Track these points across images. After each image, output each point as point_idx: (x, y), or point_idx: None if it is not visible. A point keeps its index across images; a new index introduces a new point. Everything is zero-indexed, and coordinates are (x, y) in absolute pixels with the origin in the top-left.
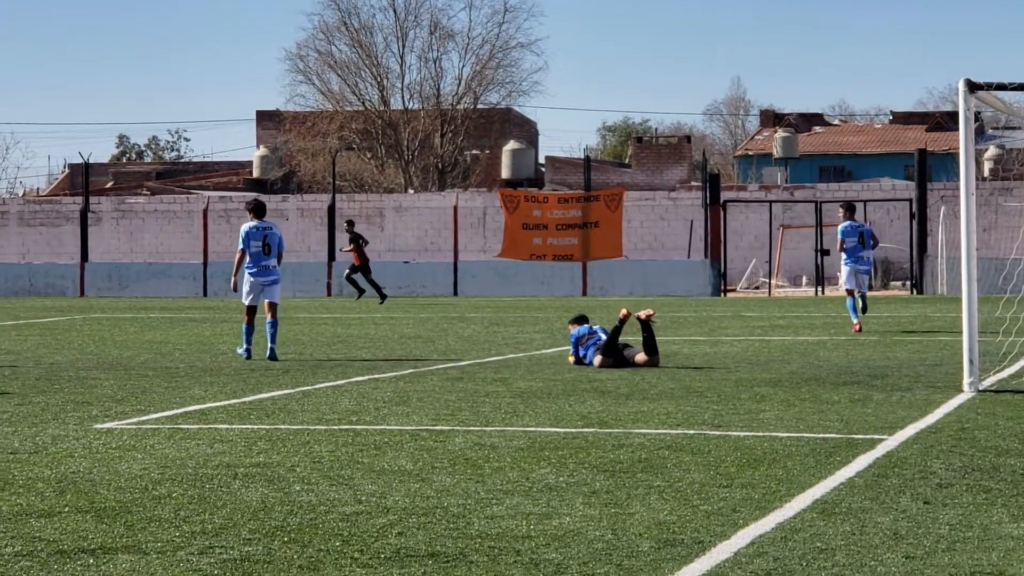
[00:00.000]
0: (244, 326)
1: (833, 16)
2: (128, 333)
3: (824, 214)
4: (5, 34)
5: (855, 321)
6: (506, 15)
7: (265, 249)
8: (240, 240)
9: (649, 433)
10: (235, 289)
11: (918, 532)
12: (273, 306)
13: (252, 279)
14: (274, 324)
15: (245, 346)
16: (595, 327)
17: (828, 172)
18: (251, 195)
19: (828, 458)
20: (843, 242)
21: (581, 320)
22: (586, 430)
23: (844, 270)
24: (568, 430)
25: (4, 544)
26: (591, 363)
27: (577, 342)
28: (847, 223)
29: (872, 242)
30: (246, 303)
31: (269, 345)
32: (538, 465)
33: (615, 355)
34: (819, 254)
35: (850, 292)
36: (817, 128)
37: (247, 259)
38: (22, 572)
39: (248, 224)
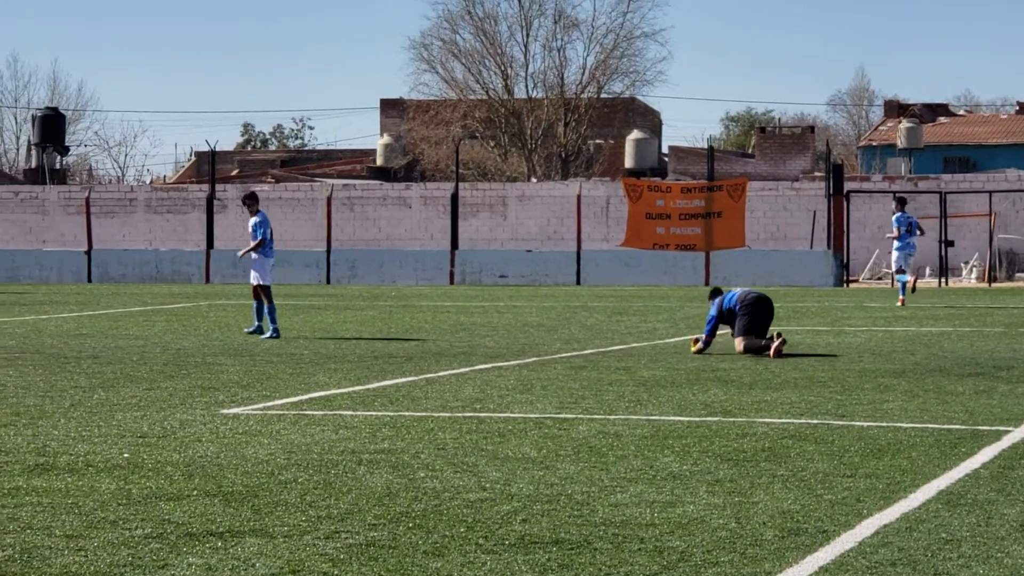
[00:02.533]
0: (268, 307)
1: (958, 5)
2: (253, 319)
3: (949, 205)
4: (132, 24)
5: (902, 297)
6: (630, 4)
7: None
8: (261, 228)
9: (773, 422)
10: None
11: None
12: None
13: (273, 261)
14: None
15: (273, 326)
16: (729, 294)
17: (953, 163)
18: (375, 182)
19: (953, 449)
20: (899, 230)
21: (716, 293)
22: (710, 419)
23: (897, 254)
24: (692, 419)
25: (135, 526)
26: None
27: (717, 317)
28: (900, 214)
29: (919, 231)
30: (270, 283)
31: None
32: (662, 453)
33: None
34: (943, 245)
35: (901, 271)
36: (942, 118)
37: (266, 245)
38: (152, 554)
39: (261, 215)
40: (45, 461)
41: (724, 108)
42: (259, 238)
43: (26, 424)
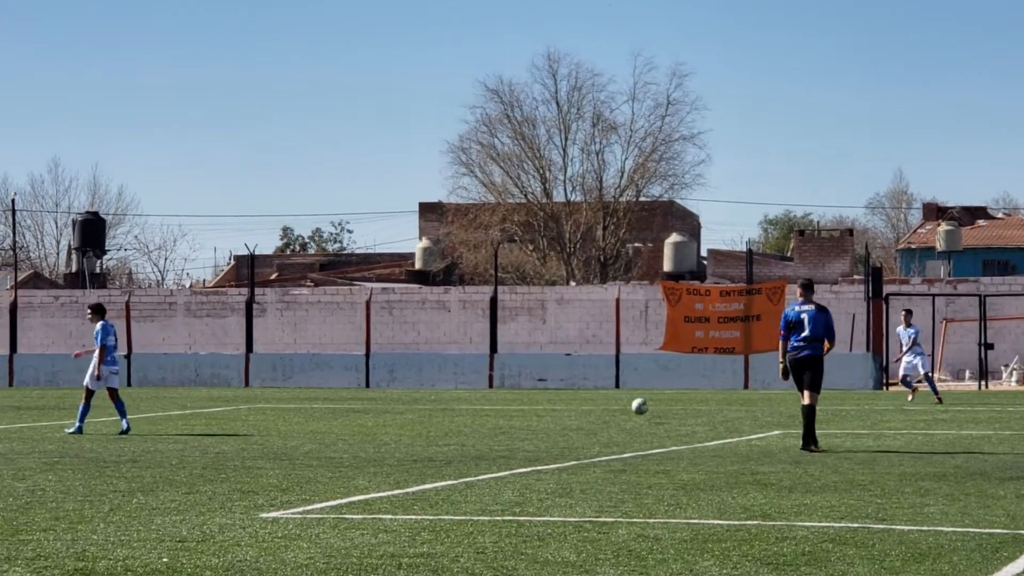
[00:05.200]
0: (83, 405)
1: (996, 108)
2: (292, 423)
3: (988, 308)
4: (172, 129)
5: (937, 396)
6: (668, 108)
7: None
8: (103, 335)
9: (812, 526)
10: (99, 378)
11: None
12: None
13: (109, 368)
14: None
15: (78, 424)
16: (801, 313)
17: (992, 266)
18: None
19: (994, 554)
20: (912, 340)
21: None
22: (749, 522)
23: (920, 359)
24: (731, 522)
25: None
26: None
27: (788, 326)
28: (912, 329)
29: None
30: (95, 387)
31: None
32: (702, 557)
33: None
34: (983, 348)
35: (928, 376)
36: (980, 221)
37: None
38: None
39: (104, 322)
40: (84, 566)
41: (763, 211)
42: (100, 344)
43: (65, 529)
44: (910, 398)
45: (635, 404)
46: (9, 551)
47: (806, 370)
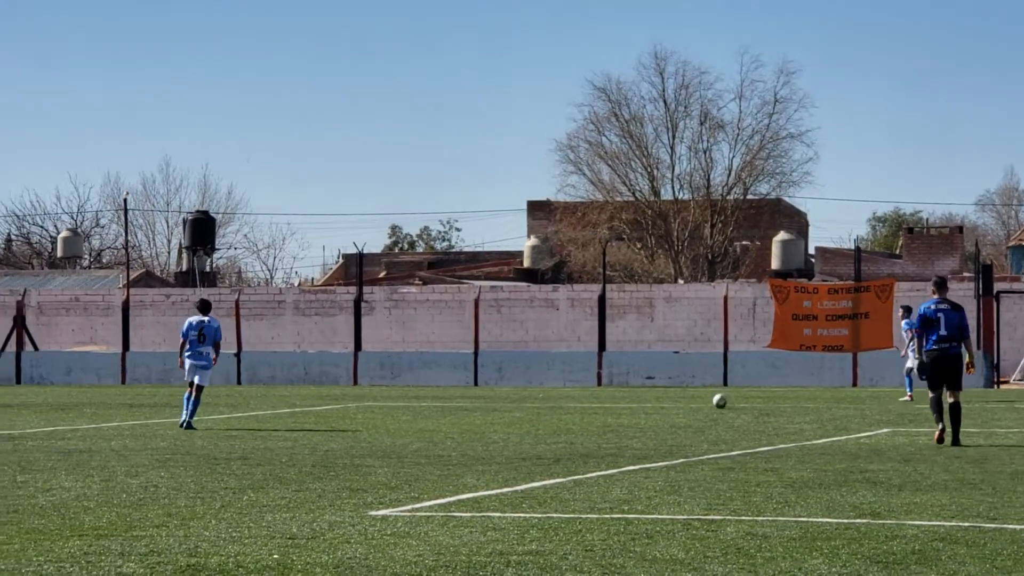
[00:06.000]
0: (184, 397)
1: None
2: (400, 421)
3: None
4: (281, 128)
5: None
6: (776, 106)
7: (200, 338)
8: (183, 329)
9: (922, 525)
10: (181, 367)
11: None
12: (198, 387)
13: (189, 361)
14: (196, 401)
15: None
16: (937, 312)
17: None
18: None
19: None
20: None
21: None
22: (858, 521)
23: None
24: (840, 520)
25: None
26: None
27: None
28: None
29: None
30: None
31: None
32: (810, 555)
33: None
34: None
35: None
36: None
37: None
38: None
39: (191, 318)
40: (196, 562)
41: (871, 208)
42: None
43: (178, 525)
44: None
45: (716, 399)
46: (123, 547)
47: (947, 369)
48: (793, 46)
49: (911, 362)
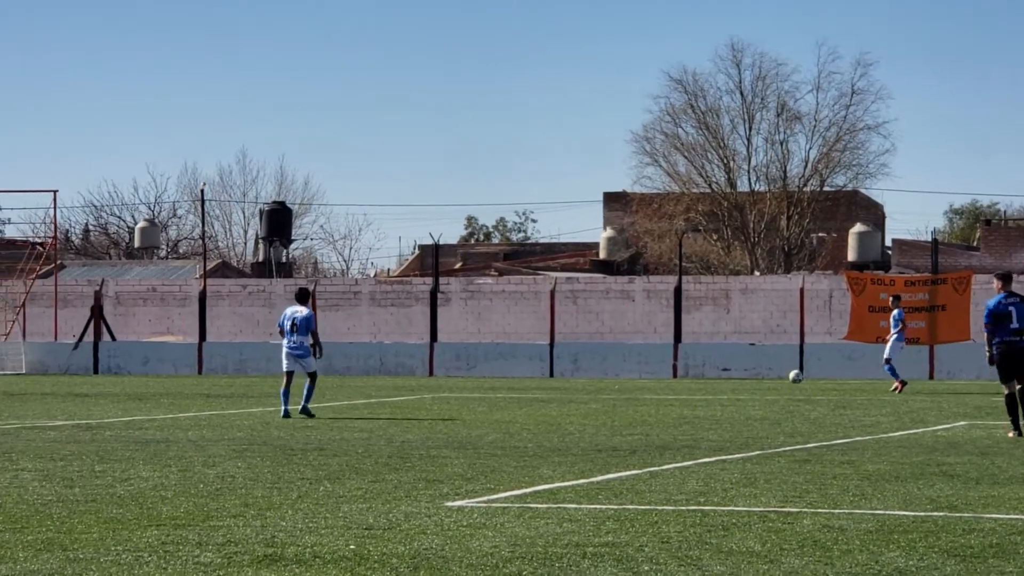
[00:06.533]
0: (281, 389)
1: None
2: (476, 412)
3: None
4: (357, 119)
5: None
6: (853, 97)
7: (293, 327)
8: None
9: (1000, 518)
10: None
11: None
12: (310, 374)
13: (285, 351)
14: (309, 388)
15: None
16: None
17: None
18: (598, 276)
19: None
20: (903, 324)
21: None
22: (936, 514)
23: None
24: (917, 513)
25: None
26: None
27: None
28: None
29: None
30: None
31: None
32: (887, 548)
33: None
34: None
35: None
36: None
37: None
38: None
39: (287, 308)
40: (273, 552)
41: (948, 200)
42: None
43: (255, 515)
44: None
45: (792, 374)
46: (200, 536)
47: (1020, 361)
48: (871, 37)
49: (888, 352)
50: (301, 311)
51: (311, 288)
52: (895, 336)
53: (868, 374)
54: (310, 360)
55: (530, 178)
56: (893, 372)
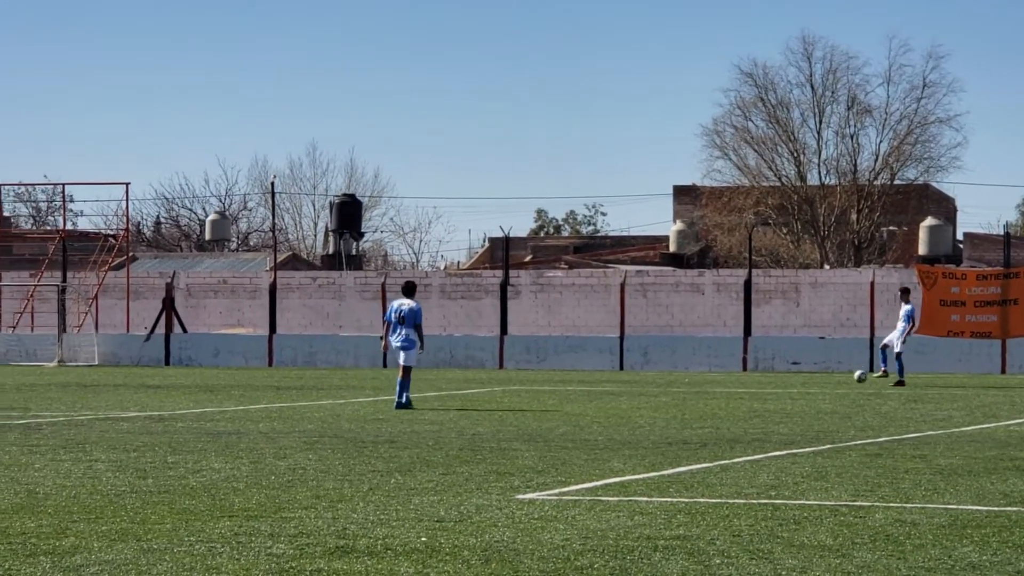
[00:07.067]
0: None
1: None
2: (546, 405)
3: None
4: (427, 112)
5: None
6: (924, 90)
7: (400, 320)
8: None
9: None
10: (385, 350)
11: None
12: (405, 368)
13: (393, 343)
14: (403, 383)
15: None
16: None
17: None
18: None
19: None
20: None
21: None
22: (1009, 508)
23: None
24: (991, 508)
25: None
26: None
27: None
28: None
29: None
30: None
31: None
32: (960, 543)
33: None
34: None
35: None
36: None
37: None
38: None
39: (393, 301)
40: (345, 544)
41: (1020, 194)
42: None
43: (326, 507)
44: (877, 375)
45: (857, 374)
46: (272, 528)
47: None
48: (942, 30)
49: (898, 346)
50: (408, 303)
51: (382, 281)
52: (905, 328)
53: (939, 368)
54: (411, 354)
55: (600, 171)
56: (899, 368)
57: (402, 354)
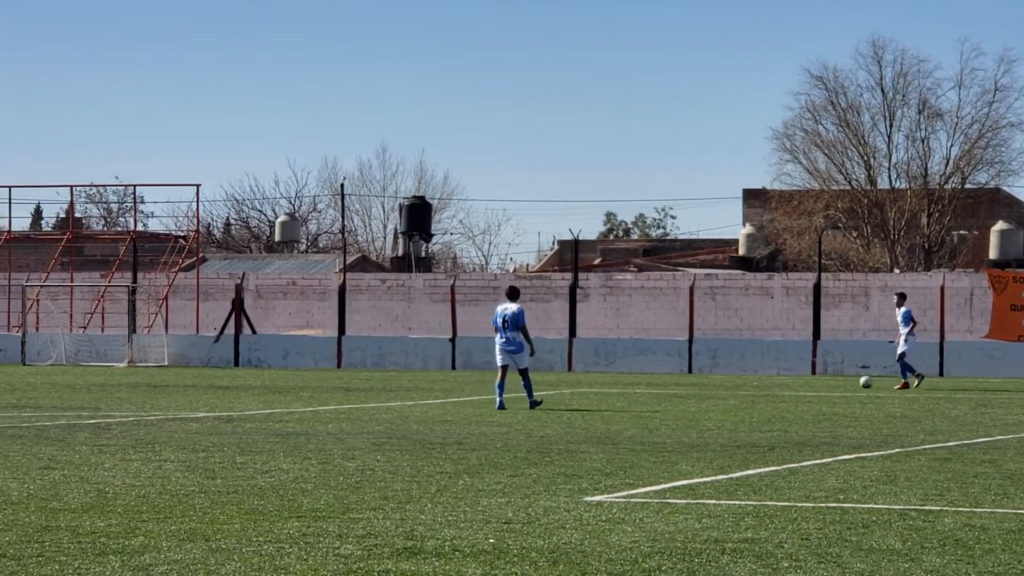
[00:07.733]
0: (496, 383)
1: None
2: (615, 408)
3: None
4: (496, 114)
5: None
6: (996, 94)
7: (504, 324)
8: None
9: None
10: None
11: None
12: (522, 370)
13: (499, 347)
14: (525, 384)
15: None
16: None
17: None
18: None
19: None
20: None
21: None
22: None
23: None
24: None
25: None
26: None
27: None
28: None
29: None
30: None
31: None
32: None
33: None
34: None
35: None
36: None
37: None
38: None
39: (498, 306)
40: (413, 545)
41: None
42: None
43: (394, 508)
44: (915, 383)
45: (863, 380)
46: (340, 528)
47: None
48: (1014, 34)
49: (902, 348)
50: (511, 307)
51: (451, 283)
52: (909, 333)
53: (1010, 373)
54: (523, 356)
55: (670, 174)
56: (908, 369)
57: (513, 357)
